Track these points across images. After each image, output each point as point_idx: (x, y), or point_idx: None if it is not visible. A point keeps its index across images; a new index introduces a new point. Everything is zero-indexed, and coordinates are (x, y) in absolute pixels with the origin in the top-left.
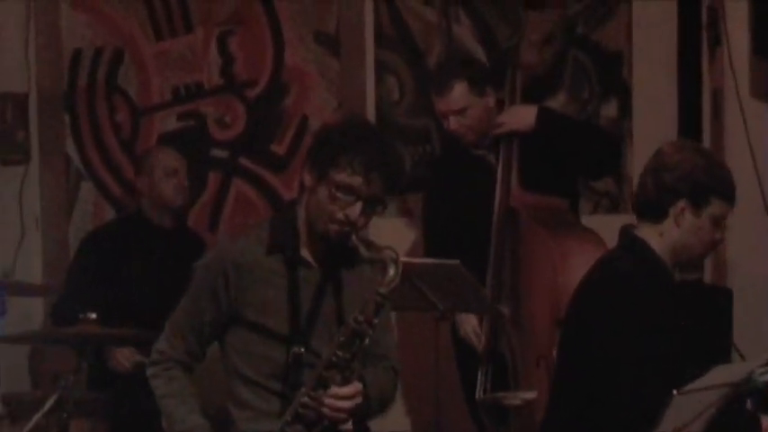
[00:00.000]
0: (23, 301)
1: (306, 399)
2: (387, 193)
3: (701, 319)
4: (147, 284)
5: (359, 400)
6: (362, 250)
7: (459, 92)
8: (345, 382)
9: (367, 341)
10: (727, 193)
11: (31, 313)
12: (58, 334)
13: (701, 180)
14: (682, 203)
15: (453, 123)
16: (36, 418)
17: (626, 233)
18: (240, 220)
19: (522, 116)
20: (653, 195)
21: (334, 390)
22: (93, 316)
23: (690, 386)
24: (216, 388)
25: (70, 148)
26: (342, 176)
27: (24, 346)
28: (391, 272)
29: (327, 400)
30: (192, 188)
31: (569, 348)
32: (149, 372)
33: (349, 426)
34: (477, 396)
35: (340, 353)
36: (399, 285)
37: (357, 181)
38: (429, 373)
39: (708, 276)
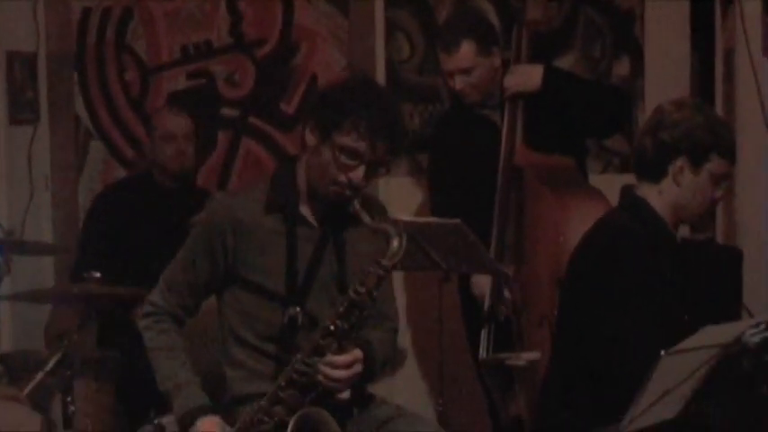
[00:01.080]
0: (34, 261)
1: (300, 365)
2: (391, 156)
3: (711, 279)
4: (153, 244)
5: (358, 368)
6: (366, 219)
7: (466, 51)
8: (341, 350)
9: (366, 313)
10: (727, 150)
11: (43, 272)
12: (61, 292)
13: (699, 137)
14: (680, 161)
15: (459, 83)
16: (38, 377)
17: (626, 192)
18: (249, 178)
19: (527, 76)
20: (652, 154)
21: (331, 358)
22: (97, 275)
23: (678, 346)
24: (210, 346)
25: (79, 107)
26: (346, 140)
27: (41, 306)
28: (395, 245)
29: (322, 368)
30: (201, 147)
31: (569, 307)
32: (141, 324)
33: (346, 394)
34: (480, 356)
35: (339, 323)
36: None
37: (362, 146)
38: (434, 334)
39: (719, 237)
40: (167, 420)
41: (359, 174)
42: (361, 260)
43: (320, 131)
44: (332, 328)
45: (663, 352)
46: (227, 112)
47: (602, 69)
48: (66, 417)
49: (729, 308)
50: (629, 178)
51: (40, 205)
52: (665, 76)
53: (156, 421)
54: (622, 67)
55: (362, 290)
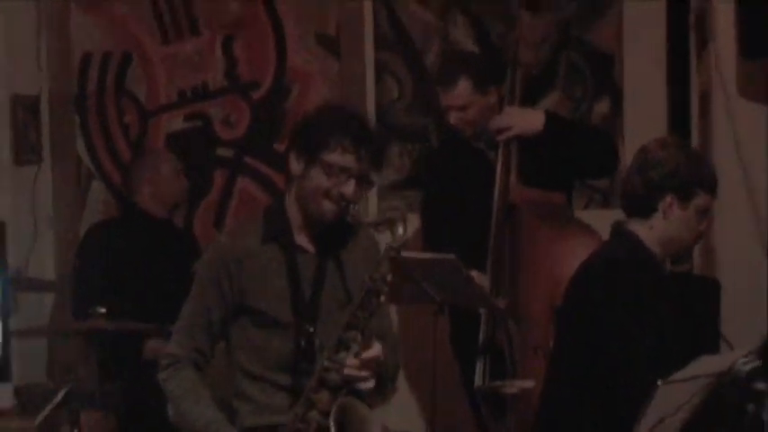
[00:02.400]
0: (36, 297)
1: (329, 363)
2: (374, 168)
3: (690, 310)
4: (143, 277)
5: (382, 358)
6: (367, 219)
7: (462, 88)
8: (366, 340)
9: (383, 299)
10: (710, 185)
11: (44, 307)
12: (66, 328)
13: (685, 175)
14: (669, 198)
15: (454, 118)
16: (48, 409)
17: (618, 227)
18: (244, 215)
19: (529, 120)
20: (641, 192)
21: (353, 360)
22: (102, 310)
23: (674, 376)
24: (219, 384)
25: (80, 149)
26: (334, 156)
27: (41, 338)
28: (400, 229)
29: (351, 361)
30: (198, 186)
31: (564, 337)
32: (161, 377)
33: (371, 383)
34: (476, 385)
35: (359, 312)
36: (397, 280)
37: (349, 159)
38: (427, 365)
39: (697, 269)
40: None
41: (350, 187)
42: (360, 276)
43: (307, 155)
44: (353, 319)
45: (659, 381)
46: (222, 152)
47: (584, 109)
48: None
49: (708, 337)
50: (610, 213)
51: (44, 244)
52: (643, 116)
53: None
54: (603, 107)
55: (377, 275)
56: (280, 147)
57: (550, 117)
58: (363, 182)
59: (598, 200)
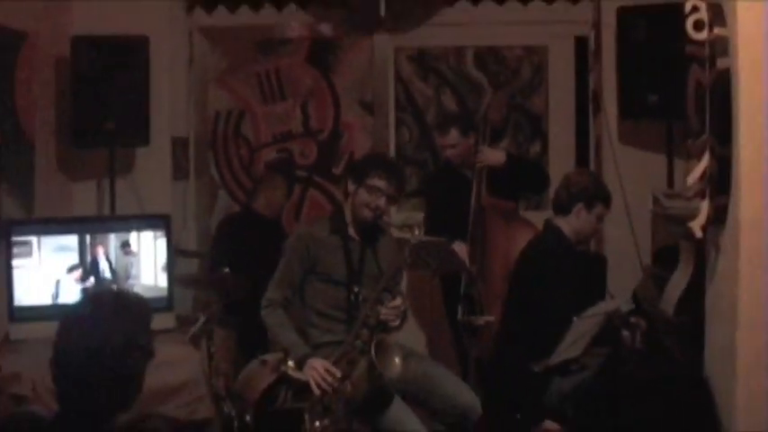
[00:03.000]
0: (185, 261)
1: (369, 311)
2: (399, 191)
3: (588, 274)
4: (256, 250)
5: (404, 306)
6: (397, 221)
7: (454, 134)
8: (394, 298)
9: (404, 272)
10: (606, 199)
11: (191, 267)
12: (206, 279)
13: (591, 192)
14: (580, 205)
15: (448, 154)
16: (194, 329)
17: (548, 223)
18: (313, 214)
19: (496, 156)
20: (564, 201)
21: (387, 304)
22: (226, 270)
23: (583, 314)
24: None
25: (213, 171)
26: (374, 181)
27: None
28: (417, 231)
29: (384, 310)
30: (284, 195)
31: (513, 291)
32: (262, 313)
33: (397, 322)
34: (458, 318)
35: (390, 281)
36: (412, 257)
37: (383, 184)
38: (426, 308)
39: (592, 248)
40: (269, 356)
41: (382, 202)
42: (386, 258)
43: (356, 181)
44: (386, 284)
45: (575, 318)
46: (300, 173)
47: (524, 148)
48: (209, 353)
49: (598, 291)
50: (540, 214)
51: (189, 231)
52: (560, 153)
53: (260, 357)
54: (536, 148)
55: (403, 258)
56: (336, 170)
57: (509, 155)
58: (391, 199)
59: (533, 205)
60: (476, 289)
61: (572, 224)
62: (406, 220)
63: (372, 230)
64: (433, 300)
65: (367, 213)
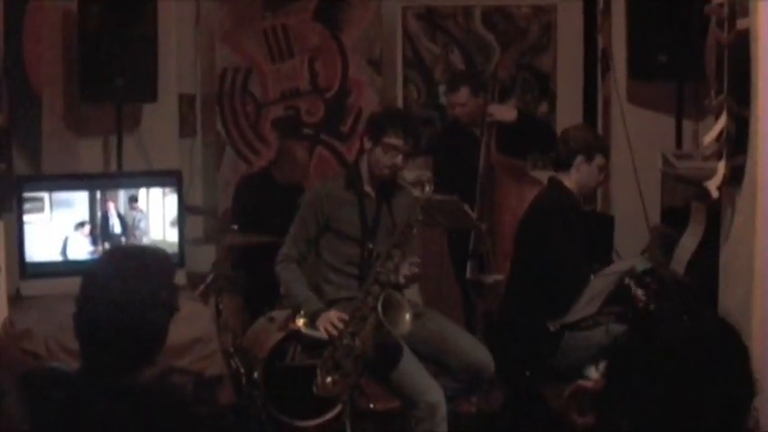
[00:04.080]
0: (192, 219)
1: (381, 268)
2: (416, 148)
3: (595, 235)
4: (272, 208)
5: (416, 267)
6: (410, 176)
7: (464, 92)
8: (403, 256)
9: (415, 230)
10: (605, 150)
11: (196, 225)
12: (214, 238)
13: (590, 143)
14: (580, 158)
15: (458, 112)
16: (203, 286)
17: (552, 179)
18: (321, 171)
19: (508, 113)
20: (564, 156)
21: (401, 269)
22: (235, 227)
23: (600, 272)
24: (311, 274)
25: (219, 127)
26: (391, 139)
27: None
28: (427, 188)
29: (401, 268)
30: (306, 165)
31: (521, 247)
32: (277, 268)
33: (412, 282)
34: (467, 276)
35: (401, 238)
36: (423, 215)
37: (399, 142)
38: (436, 265)
39: (599, 208)
40: (276, 313)
41: (399, 160)
42: (402, 215)
43: (373, 138)
44: (397, 241)
45: (592, 276)
46: (307, 131)
47: (532, 108)
48: (218, 310)
49: (605, 251)
50: (546, 173)
51: (195, 186)
52: (568, 113)
53: (268, 314)
54: (543, 108)
55: (413, 216)
56: (343, 128)
57: (521, 112)
58: (408, 156)
59: (539, 165)
60: (485, 247)
61: (574, 178)
62: (416, 178)
63: (389, 186)
64: (442, 257)
65: (384, 171)
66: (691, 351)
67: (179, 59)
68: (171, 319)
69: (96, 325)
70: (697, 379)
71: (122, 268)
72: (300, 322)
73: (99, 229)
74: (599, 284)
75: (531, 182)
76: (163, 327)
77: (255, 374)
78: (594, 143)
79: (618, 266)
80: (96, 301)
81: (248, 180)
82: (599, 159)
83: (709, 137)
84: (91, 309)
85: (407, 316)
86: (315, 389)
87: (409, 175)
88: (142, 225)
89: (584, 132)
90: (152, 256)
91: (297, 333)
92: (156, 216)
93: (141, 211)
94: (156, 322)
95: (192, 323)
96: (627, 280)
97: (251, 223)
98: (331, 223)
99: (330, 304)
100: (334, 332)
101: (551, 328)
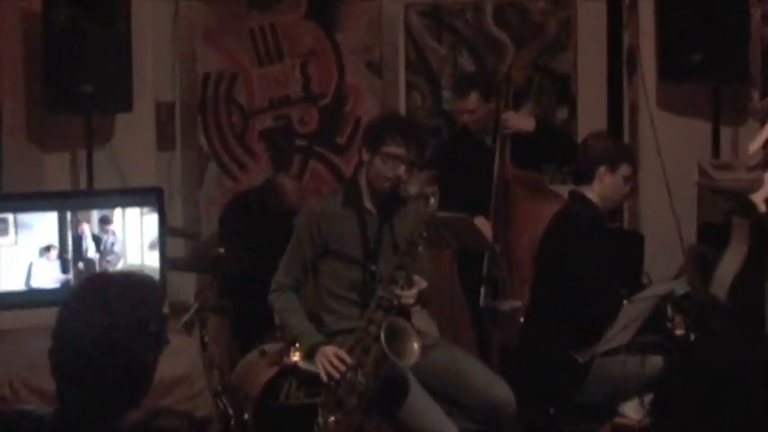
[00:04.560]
0: (173, 242)
1: (384, 292)
2: (419, 157)
3: (624, 255)
4: (261, 234)
5: (422, 286)
6: (412, 189)
7: (473, 98)
8: (408, 278)
9: (420, 248)
10: (631, 159)
11: (176, 248)
12: (199, 263)
13: (612, 152)
14: (602, 169)
15: (466, 119)
16: (187, 315)
17: (572, 193)
18: (315, 187)
19: (525, 122)
20: (585, 167)
21: (404, 291)
22: (222, 250)
23: (633, 298)
24: (309, 302)
25: (202, 139)
26: (391, 149)
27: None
28: (432, 201)
29: (401, 293)
30: (281, 166)
31: (542, 270)
32: (271, 297)
33: (417, 306)
34: (481, 304)
35: (405, 258)
36: (429, 234)
37: (401, 151)
38: (445, 290)
39: (625, 225)
40: (269, 347)
41: (401, 171)
42: (405, 232)
43: (371, 148)
44: (400, 262)
45: (625, 302)
46: (299, 142)
47: (550, 114)
48: (203, 343)
49: (634, 274)
50: (566, 187)
51: (175, 206)
52: (590, 120)
53: (259, 348)
54: (562, 114)
55: (416, 233)
56: (340, 139)
57: (539, 120)
58: (412, 166)
59: (558, 178)
60: (500, 270)
61: (597, 191)
62: (419, 191)
63: (391, 201)
64: (452, 282)
65: (385, 184)
66: (749, 383)
67: (156, 63)
68: (160, 355)
69: (75, 362)
70: (758, 413)
71: (105, 296)
72: (296, 356)
73: (71, 253)
74: (633, 310)
75: (550, 197)
76: (151, 363)
77: (246, 415)
78: (618, 151)
79: (654, 291)
80: (75, 334)
81: (238, 200)
82: (624, 169)
83: (756, 144)
84: (69, 343)
85: (415, 345)
86: (316, 430)
87: (412, 188)
88: (117, 249)
89: (606, 140)
90: (138, 282)
91: (292, 368)
92: (133, 239)
93: (114, 233)
94: (144, 358)
95: (176, 359)
96: (663, 305)
97: (240, 247)
98: (329, 245)
99: (330, 336)
100: (335, 374)
101: (580, 360)
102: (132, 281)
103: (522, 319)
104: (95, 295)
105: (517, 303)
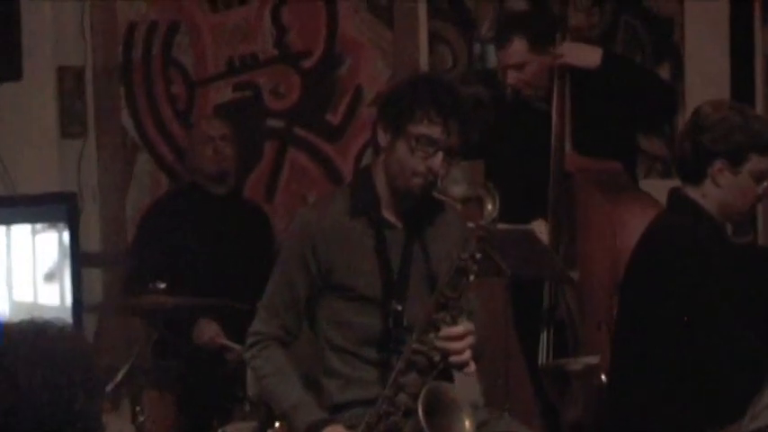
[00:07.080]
0: (86, 272)
1: (417, 344)
2: (466, 140)
3: (755, 281)
4: (204, 253)
5: (471, 339)
6: (457, 190)
7: (517, 47)
8: (455, 322)
9: (472, 278)
10: (766, 147)
11: (91, 283)
12: (130, 305)
13: (737, 139)
14: (719, 164)
15: (511, 77)
16: (110, 387)
17: (675, 194)
18: (296, 188)
19: (586, 54)
20: (691, 158)
21: (445, 331)
22: (163, 286)
23: None
24: (302, 360)
25: (126, 120)
26: (420, 128)
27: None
28: (489, 206)
29: (439, 344)
30: (247, 157)
31: (631, 309)
32: (247, 355)
33: (473, 367)
34: (539, 362)
35: (448, 292)
36: (483, 252)
37: (436, 131)
38: (497, 339)
39: (761, 239)
40: (231, 429)
41: (437, 161)
42: (446, 255)
43: (393, 128)
44: (442, 299)
45: None
46: (273, 123)
47: None
48: (136, 424)
49: None
50: (671, 183)
51: (89, 218)
52: (705, 81)
53: (221, 430)
54: (663, 73)
55: (466, 255)
56: (332, 117)
57: (608, 54)
58: (452, 155)
59: (659, 169)
60: (565, 310)
61: (710, 196)
62: (467, 192)
63: (423, 208)
64: (506, 324)
65: (413, 182)
66: None
67: (57, 13)
68: None
69: None
70: None
71: (5, 364)
72: None
73: None
74: None
75: (636, 199)
76: None
77: None
78: (745, 136)
79: None
80: None
81: (160, 204)
82: (755, 162)
83: None
84: None
85: (467, 422)
86: None
87: (457, 188)
88: None
89: (730, 117)
90: (56, 339)
91: None
92: (23, 267)
93: None
94: None
95: None
96: None
97: (187, 277)
98: (331, 275)
99: (335, 411)
100: None
101: None
102: (49, 337)
103: (604, 381)
104: None
105: (594, 359)
